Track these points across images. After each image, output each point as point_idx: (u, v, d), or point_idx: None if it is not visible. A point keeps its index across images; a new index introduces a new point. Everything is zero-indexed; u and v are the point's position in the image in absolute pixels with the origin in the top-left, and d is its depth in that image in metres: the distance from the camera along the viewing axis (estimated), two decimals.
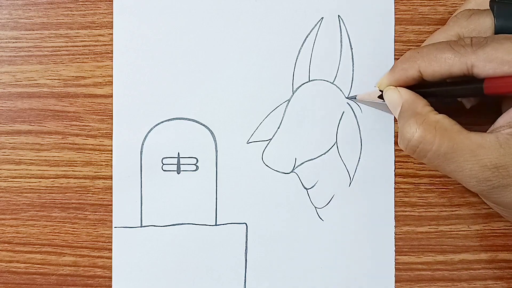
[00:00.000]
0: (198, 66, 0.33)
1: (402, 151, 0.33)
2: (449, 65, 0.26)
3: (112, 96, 0.33)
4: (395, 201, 0.33)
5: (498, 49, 0.25)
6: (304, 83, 0.33)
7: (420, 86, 0.29)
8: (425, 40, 0.33)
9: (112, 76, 0.33)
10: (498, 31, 0.27)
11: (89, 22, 0.33)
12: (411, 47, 0.33)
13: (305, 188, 0.33)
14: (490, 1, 0.28)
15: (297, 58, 0.33)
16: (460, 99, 0.30)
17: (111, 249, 0.33)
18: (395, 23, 0.33)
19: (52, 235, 0.34)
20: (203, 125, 0.33)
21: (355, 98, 0.33)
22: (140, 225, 0.33)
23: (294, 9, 0.33)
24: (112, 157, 0.33)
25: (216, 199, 0.33)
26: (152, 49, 0.33)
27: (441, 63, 0.26)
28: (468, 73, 0.26)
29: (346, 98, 0.33)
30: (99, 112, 0.34)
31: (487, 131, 0.26)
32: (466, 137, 0.25)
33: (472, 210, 0.33)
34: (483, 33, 0.27)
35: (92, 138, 0.34)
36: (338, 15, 0.33)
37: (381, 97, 0.30)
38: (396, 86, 0.29)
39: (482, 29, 0.27)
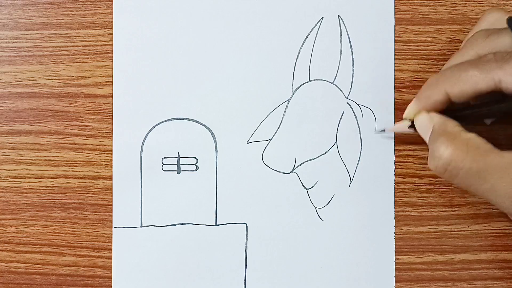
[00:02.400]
0: (198, 66, 0.33)
1: (402, 151, 0.33)
2: (475, 83, 0.25)
3: (112, 96, 0.33)
4: (395, 201, 0.33)
5: None
6: (304, 83, 0.33)
7: (448, 112, 0.28)
8: (424, 41, 0.33)
9: (112, 76, 0.33)
10: None
11: (89, 22, 0.33)
12: (411, 47, 0.33)
13: (305, 188, 0.33)
14: (507, 18, 0.27)
15: (297, 58, 0.33)
16: None
17: (111, 249, 0.33)
18: (395, 23, 0.33)
19: (52, 235, 0.34)
20: (203, 125, 0.33)
21: (384, 131, 0.32)
22: (140, 225, 0.33)
23: (294, 9, 0.33)
24: (112, 157, 0.33)
25: (216, 199, 0.33)
26: (152, 49, 0.33)
27: (466, 82, 0.26)
28: (495, 89, 0.25)
29: (376, 132, 0.33)
30: (99, 112, 0.34)
31: None
32: (499, 155, 0.24)
33: (472, 210, 0.33)
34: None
35: (92, 138, 0.34)
36: (338, 15, 0.33)
37: (411, 127, 0.29)
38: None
39: (502, 48, 0.26)
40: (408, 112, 0.29)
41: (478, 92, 0.26)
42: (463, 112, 0.28)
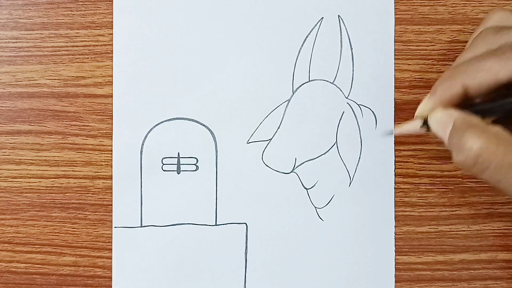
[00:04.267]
0: (198, 66, 0.33)
1: (402, 151, 0.33)
2: (495, 73, 0.24)
3: (112, 96, 0.33)
4: (395, 201, 0.33)
5: None
6: (304, 83, 0.33)
7: (464, 107, 0.26)
8: (424, 41, 0.33)
9: (112, 76, 0.33)
10: None
11: (89, 22, 0.33)
12: (411, 47, 0.33)
13: (305, 188, 0.33)
14: None
15: (297, 58, 0.33)
16: None
17: (111, 249, 0.33)
18: (395, 23, 0.33)
19: (52, 235, 0.34)
20: (203, 125, 0.33)
21: (391, 134, 0.30)
22: (140, 225, 0.33)
23: (294, 9, 0.33)
24: (112, 157, 0.33)
25: (216, 199, 0.33)
26: (152, 49, 0.33)
27: (486, 72, 0.25)
28: None
29: (382, 135, 0.31)
30: (99, 112, 0.34)
31: None
32: None
33: (472, 210, 0.33)
34: None
35: (92, 138, 0.34)
36: (338, 15, 0.33)
37: (423, 126, 0.28)
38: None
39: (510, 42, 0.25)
40: (422, 109, 0.27)
41: (499, 83, 0.24)
42: (482, 105, 0.26)
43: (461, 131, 0.25)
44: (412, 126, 0.28)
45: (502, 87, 0.25)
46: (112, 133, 0.33)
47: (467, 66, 0.25)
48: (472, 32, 0.30)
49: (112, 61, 0.33)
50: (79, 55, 0.33)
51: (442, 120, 0.26)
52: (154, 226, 0.33)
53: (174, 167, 0.33)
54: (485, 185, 0.33)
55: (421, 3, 0.33)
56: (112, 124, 0.33)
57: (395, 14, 0.33)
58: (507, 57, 0.24)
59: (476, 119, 0.25)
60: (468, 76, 0.25)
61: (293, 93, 0.33)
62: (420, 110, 0.27)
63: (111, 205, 0.33)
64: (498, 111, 0.26)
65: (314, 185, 0.33)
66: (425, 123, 0.27)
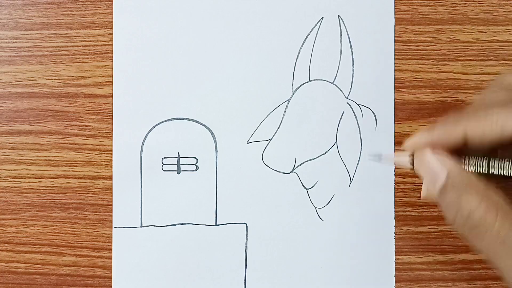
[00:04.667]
0: (198, 66, 0.33)
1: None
2: (502, 125, 0.22)
3: (112, 96, 0.33)
4: (395, 201, 0.33)
5: None
6: (304, 83, 0.33)
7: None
8: (424, 41, 0.33)
9: (112, 76, 0.33)
10: None
11: (89, 22, 0.33)
12: (411, 47, 0.33)
13: (305, 188, 0.33)
14: None
15: (297, 58, 0.33)
16: None
17: (111, 249, 0.33)
18: (395, 23, 0.33)
19: (52, 235, 0.34)
20: (203, 125, 0.33)
21: (379, 159, 0.29)
22: (140, 225, 0.33)
23: (294, 9, 0.33)
24: (112, 157, 0.33)
25: (216, 199, 0.33)
26: (152, 49, 0.33)
27: (492, 123, 0.22)
28: None
29: (370, 157, 0.29)
30: (99, 112, 0.34)
31: None
32: None
33: None
34: None
35: (92, 138, 0.34)
36: (338, 15, 0.33)
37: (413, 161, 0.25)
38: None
39: None
40: (415, 143, 0.25)
41: (503, 138, 0.22)
42: (469, 160, 0.24)
43: (458, 190, 0.23)
44: (401, 161, 0.26)
45: (503, 145, 0.23)
46: (112, 133, 0.33)
47: (473, 113, 0.23)
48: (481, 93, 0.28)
49: (112, 61, 0.33)
50: (79, 55, 0.33)
51: (433, 167, 0.24)
52: (154, 226, 0.33)
53: (174, 167, 0.33)
54: None
55: (421, 3, 0.33)
56: (112, 124, 0.33)
57: (395, 14, 0.33)
58: None
59: (473, 177, 0.23)
60: (472, 125, 0.23)
61: (293, 93, 0.33)
62: (412, 143, 0.25)
63: (111, 205, 0.33)
64: (491, 170, 0.24)
65: (314, 185, 0.33)
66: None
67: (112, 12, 0.33)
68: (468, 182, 0.23)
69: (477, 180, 0.23)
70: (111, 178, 0.33)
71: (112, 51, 0.33)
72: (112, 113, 0.33)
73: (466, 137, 0.23)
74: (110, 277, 0.33)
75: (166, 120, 0.33)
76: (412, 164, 0.25)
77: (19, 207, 0.34)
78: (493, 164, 0.24)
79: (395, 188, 0.33)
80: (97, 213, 0.33)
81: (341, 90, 0.33)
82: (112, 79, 0.33)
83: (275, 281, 0.33)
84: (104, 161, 0.33)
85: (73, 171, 0.34)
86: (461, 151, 0.24)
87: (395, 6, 0.33)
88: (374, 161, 0.28)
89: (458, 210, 0.23)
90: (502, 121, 0.22)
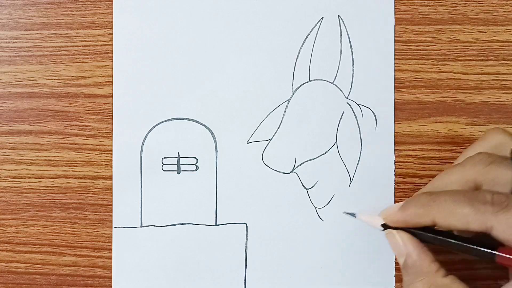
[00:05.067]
0: (198, 66, 0.33)
1: (402, 151, 0.33)
2: (467, 222, 0.25)
3: (112, 96, 0.33)
4: (395, 201, 0.33)
5: None
6: (304, 83, 0.33)
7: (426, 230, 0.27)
8: (424, 41, 0.33)
9: (112, 76, 0.33)
10: None
11: (89, 22, 0.33)
12: (411, 47, 0.33)
13: (305, 188, 0.33)
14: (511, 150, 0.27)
15: (297, 58, 0.33)
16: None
17: (111, 249, 0.33)
18: (395, 23, 0.33)
19: (52, 235, 0.34)
20: (203, 125, 0.33)
21: (354, 216, 0.30)
22: (140, 225, 0.33)
23: (294, 9, 0.33)
24: (112, 157, 0.33)
25: (216, 199, 0.33)
26: (152, 49, 0.33)
27: (458, 218, 0.25)
28: (486, 232, 0.25)
29: (346, 213, 0.31)
30: (99, 112, 0.34)
31: None
32: None
33: None
34: (502, 185, 0.26)
35: (92, 138, 0.34)
36: (338, 15, 0.33)
37: (383, 225, 0.28)
38: (401, 228, 0.27)
39: (501, 181, 0.26)
40: (388, 216, 0.28)
41: (467, 230, 0.25)
42: (441, 237, 0.27)
43: (411, 275, 0.26)
44: (374, 223, 0.29)
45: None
46: (112, 133, 0.33)
47: (443, 204, 0.26)
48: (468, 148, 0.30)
49: (112, 61, 0.33)
50: (79, 55, 0.33)
51: (397, 246, 0.27)
52: (154, 226, 0.33)
53: (174, 167, 0.33)
54: None
55: (421, 3, 0.33)
56: (112, 124, 0.33)
57: (395, 14, 0.33)
58: (483, 211, 0.24)
59: (428, 261, 0.26)
60: (441, 215, 0.26)
61: (293, 93, 0.33)
62: (386, 215, 0.28)
63: (111, 205, 0.33)
64: (459, 250, 0.27)
65: (314, 185, 0.33)
66: (384, 226, 0.28)
67: (112, 12, 0.33)
68: (419, 266, 0.26)
69: (430, 264, 0.26)
70: (111, 178, 0.33)
71: (112, 51, 0.33)
72: (112, 113, 0.33)
73: (435, 223, 0.26)
74: (110, 277, 0.33)
75: (166, 120, 0.33)
76: (383, 228, 0.28)
77: (19, 207, 0.34)
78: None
79: (395, 188, 0.33)
80: (97, 213, 0.33)
81: (341, 90, 0.33)
82: (112, 79, 0.33)
83: (275, 281, 0.33)
84: (104, 161, 0.33)
85: (73, 171, 0.34)
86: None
87: (395, 6, 0.33)
88: (349, 216, 0.30)
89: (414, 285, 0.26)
90: (468, 220, 0.25)
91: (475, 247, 0.26)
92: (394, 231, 0.27)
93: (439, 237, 0.27)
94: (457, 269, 0.33)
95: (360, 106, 0.33)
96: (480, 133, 0.33)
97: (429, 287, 0.25)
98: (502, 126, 0.33)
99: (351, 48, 0.33)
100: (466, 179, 0.27)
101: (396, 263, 0.33)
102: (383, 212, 0.28)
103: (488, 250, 0.25)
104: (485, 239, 0.25)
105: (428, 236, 0.27)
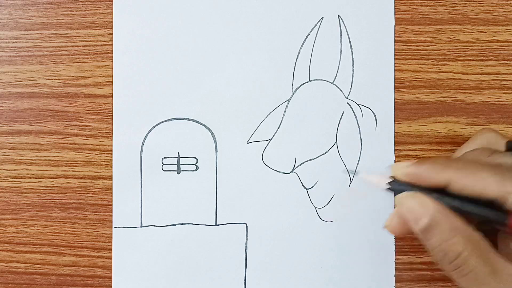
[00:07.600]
0: (198, 66, 0.33)
1: (402, 151, 0.33)
2: (484, 186, 0.24)
3: (112, 96, 0.33)
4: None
5: None
6: (304, 83, 0.33)
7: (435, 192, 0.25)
8: (424, 41, 0.33)
9: (112, 76, 0.33)
10: None
11: (89, 22, 0.33)
12: (411, 47, 0.33)
13: (305, 188, 0.33)
14: (507, 142, 0.27)
15: (297, 58, 0.33)
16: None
17: (111, 249, 0.33)
18: (395, 23, 0.33)
19: (52, 235, 0.34)
20: (203, 125, 0.33)
21: (354, 174, 0.29)
22: (140, 225, 0.33)
23: (294, 9, 0.33)
24: (112, 157, 0.33)
25: (216, 199, 0.33)
26: (152, 49, 0.33)
27: (476, 180, 0.24)
28: (500, 200, 0.24)
29: (343, 171, 0.29)
30: (99, 112, 0.34)
31: None
32: (506, 267, 0.24)
33: None
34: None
35: (92, 138, 0.34)
36: (338, 15, 0.33)
37: (390, 183, 0.26)
38: (409, 181, 0.26)
39: (507, 165, 0.25)
40: (399, 171, 0.26)
41: (482, 195, 0.24)
42: (452, 199, 0.25)
43: (444, 235, 0.25)
44: (378, 182, 0.27)
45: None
46: (112, 133, 0.33)
47: (463, 166, 0.25)
48: (460, 147, 0.29)
49: (112, 61, 0.33)
50: (79, 55, 0.33)
51: (415, 210, 0.25)
52: (154, 226, 0.33)
53: (174, 167, 0.33)
54: None
55: (421, 3, 0.33)
56: (112, 124, 0.33)
57: (395, 14, 0.33)
58: (504, 177, 0.24)
59: (457, 221, 0.25)
60: (458, 175, 0.25)
61: (293, 93, 0.33)
62: (396, 170, 0.26)
63: (111, 205, 0.33)
64: (468, 213, 0.25)
65: (314, 185, 0.33)
66: (391, 184, 0.26)
67: (112, 12, 0.33)
68: (453, 227, 0.25)
69: (461, 223, 0.25)
70: (111, 178, 0.33)
71: (112, 51, 0.33)
72: (112, 113, 0.33)
73: (448, 184, 0.25)
74: (110, 277, 0.33)
75: (166, 120, 0.33)
76: (389, 188, 0.26)
77: (19, 207, 0.34)
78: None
79: None
80: (97, 213, 0.34)
81: (341, 90, 0.33)
82: (112, 79, 0.33)
83: (275, 281, 0.33)
84: (104, 161, 0.33)
85: (73, 171, 0.34)
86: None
87: (395, 6, 0.33)
88: (350, 175, 0.29)
89: (445, 254, 0.25)
90: (487, 183, 0.24)
91: (490, 209, 0.24)
92: (411, 194, 0.25)
93: (453, 198, 0.25)
94: None
95: (360, 106, 0.33)
96: None
97: (468, 241, 0.24)
98: (502, 126, 0.33)
99: (351, 48, 0.33)
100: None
101: (396, 263, 0.33)
102: (394, 166, 0.26)
103: (499, 214, 0.24)
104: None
105: (439, 197, 0.25)
